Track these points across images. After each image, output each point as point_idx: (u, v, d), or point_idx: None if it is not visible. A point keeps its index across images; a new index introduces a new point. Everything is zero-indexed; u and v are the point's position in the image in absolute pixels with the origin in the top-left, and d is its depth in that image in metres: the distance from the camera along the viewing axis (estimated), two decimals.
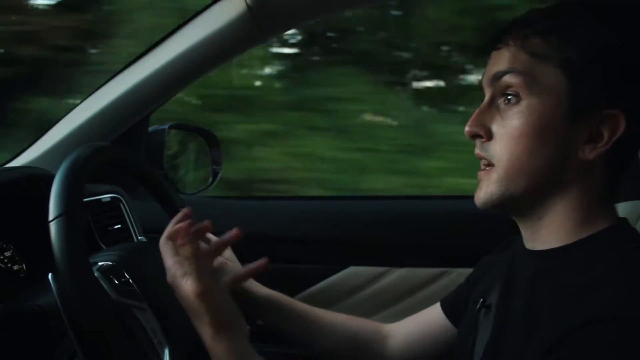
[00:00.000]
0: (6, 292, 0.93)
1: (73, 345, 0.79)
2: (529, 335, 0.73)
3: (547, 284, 0.76)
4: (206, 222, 0.91)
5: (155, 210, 1.14)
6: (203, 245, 0.96)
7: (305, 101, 3.20)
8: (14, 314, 0.84)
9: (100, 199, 1.31)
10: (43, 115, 3.14)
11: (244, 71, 3.43)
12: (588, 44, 0.74)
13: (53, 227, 0.79)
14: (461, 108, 3.27)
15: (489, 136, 0.80)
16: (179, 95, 1.51)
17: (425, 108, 3.50)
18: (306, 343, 1.13)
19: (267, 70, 3.58)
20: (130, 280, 0.86)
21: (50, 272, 0.80)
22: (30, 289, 0.93)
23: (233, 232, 0.97)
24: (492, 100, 0.80)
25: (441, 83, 3.51)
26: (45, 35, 3.48)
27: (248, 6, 1.23)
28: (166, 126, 1.60)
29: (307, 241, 1.51)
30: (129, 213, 1.35)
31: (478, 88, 0.85)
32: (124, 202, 1.36)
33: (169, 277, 0.84)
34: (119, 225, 1.32)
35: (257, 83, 3.57)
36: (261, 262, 1.01)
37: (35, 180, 1.16)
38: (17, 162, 1.40)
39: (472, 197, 0.83)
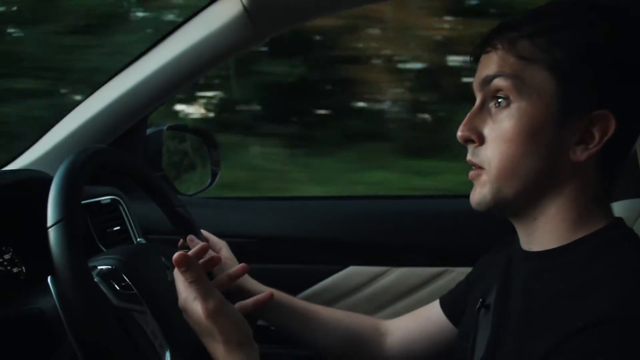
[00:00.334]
0: (6, 295, 0.93)
1: (73, 348, 0.79)
2: (528, 336, 0.73)
3: (544, 285, 0.76)
4: (215, 257, 0.94)
5: (155, 211, 1.14)
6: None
7: None
8: (14, 318, 0.84)
9: (99, 201, 1.31)
10: None
11: None
12: (576, 45, 0.74)
13: (52, 234, 0.79)
14: None
15: (481, 140, 0.80)
16: None
17: None
18: (304, 340, 1.14)
19: None
20: (130, 284, 0.86)
21: (49, 274, 0.80)
22: (29, 291, 0.93)
23: (240, 268, 1.02)
24: (483, 104, 0.81)
25: None
26: None
27: (244, 7, 1.23)
28: (164, 127, 1.60)
29: (307, 241, 1.51)
30: (128, 215, 1.35)
31: None
32: (123, 204, 1.36)
33: (180, 302, 0.85)
34: (118, 227, 1.32)
35: None
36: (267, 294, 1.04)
37: (34, 183, 1.15)
38: (16, 164, 1.40)
39: None
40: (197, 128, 1.74)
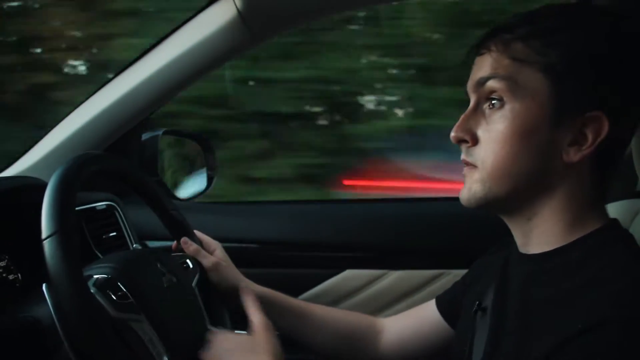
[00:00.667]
0: (1, 302, 0.92)
1: (68, 356, 0.79)
2: (525, 339, 0.73)
3: (541, 288, 0.76)
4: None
5: (151, 216, 1.14)
6: None
7: None
8: (9, 326, 0.83)
9: (94, 207, 1.31)
10: None
11: None
12: (569, 47, 0.75)
13: (47, 246, 0.79)
14: None
15: (475, 141, 0.80)
16: None
17: None
18: (299, 338, 1.14)
19: None
20: (127, 293, 0.85)
21: (44, 282, 0.80)
22: (25, 298, 0.92)
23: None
24: (477, 105, 0.81)
25: None
26: None
27: (239, 11, 1.23)
28: (160, 132, 1.60)
29: (303, 245, 1.51)
30: (124, 220, 1.35)
31: None
32: (119, 210, 1.36)
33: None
34: (114, 233, 1.32)
35: None
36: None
37: (29, 190, 1.15)
38: (11, 171, 1.39)
39: None
40: (192, 133, 1.74)
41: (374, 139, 3.23)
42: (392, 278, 1.46)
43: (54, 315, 0.78)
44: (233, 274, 1.16)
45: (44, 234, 0.79)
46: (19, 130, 3.13)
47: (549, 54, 0.75)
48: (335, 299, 1.47)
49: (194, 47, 1.30)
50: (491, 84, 0.78)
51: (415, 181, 2.90)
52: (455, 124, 0.82)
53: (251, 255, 1.49)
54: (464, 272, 1.09)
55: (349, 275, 1.48)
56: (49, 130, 1.41)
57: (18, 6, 3.36)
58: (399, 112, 3.44)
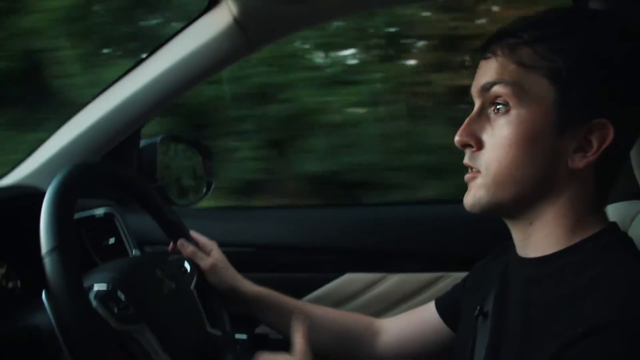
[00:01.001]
0: (1, 310, 0.92)
1: None
2: (528, 344, 0.73)
3: (541, 292, 0.76)
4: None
5: (150, 222, 1.14)
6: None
7: None
8: (8, 334, 0.83)
9: (93, 214, 1.31)
10: None
11: None
12: (575, 53, 0.74)
13: (47, 262, 0.79)
14: None
15: (480, 145, 0.80)
16: None
17: None
18: None
19: None
20: (128, 303, 0.85)
21: (44, 289, 0.80)
22: (25, 305, 0.92)
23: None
24: (482, 109, 0.81)
25: None
26: None
27: (235, 18, 1.23)
28: (158, 139, 1.60)
29: (303, 249, 1.51)
30: (123, 227, 1.35)
31: None
32: (118, 216, 1.36)
33: None
34: (114, 240, 1.32)
35: None
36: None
37: (27, 198, 1.15)
38: (10, 179, 1.39)
39: None
40: (190, 139, 1.74)
41: None
42: (392, 281, 1.46)
43: (56, 330, 0.78)
44: (230, 274, 1.16)
45: (43, 250, 0.79)
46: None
47: (555, 59, 0.75)
48: (335, 303, 1.47)
49: (191, 55, 1.30)
50: (497, 89, 0.77)
51: None
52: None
53: (251, 260, 1.49)
54: (463, 274, 1.09)
55: (349, 279, 1.48)
56: (48, 138, 1.41)
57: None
58: None
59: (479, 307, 0.88)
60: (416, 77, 3.03)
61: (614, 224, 0.81)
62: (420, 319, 1.11)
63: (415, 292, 1.45)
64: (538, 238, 0.80)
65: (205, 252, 1.16)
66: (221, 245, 1.22)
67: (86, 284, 0.85)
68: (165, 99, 1.38)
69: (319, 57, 3.21)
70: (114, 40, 3.24)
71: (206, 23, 1.28)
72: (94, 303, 0.82)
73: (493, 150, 0.78)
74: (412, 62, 3.16)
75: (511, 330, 0.78)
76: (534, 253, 0.81)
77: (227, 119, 3.09)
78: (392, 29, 3.10)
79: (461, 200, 0.83)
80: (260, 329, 1.42)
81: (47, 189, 0.86)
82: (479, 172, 0.80)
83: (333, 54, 3.16)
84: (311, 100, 2.95)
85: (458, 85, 2.79)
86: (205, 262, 1.13)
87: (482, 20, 2.96)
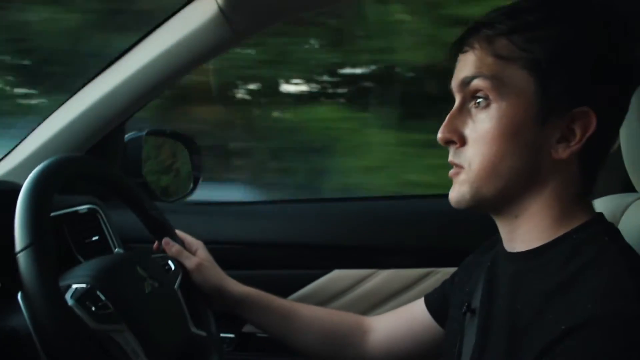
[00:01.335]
0: None
1: None
2: (513, 340, 0.72)
3: (527, 286, 0.76)
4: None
5: (134, 219, 1.12)
6: None
7: None
8: None
9: (76, 210, 1.28)
10: None
11: None
12: (553, 42, 0.73)
13: (21, 259, 0.77)
14: None
15: (463, 141, 0.79)
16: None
17: None
18: (285, 339, 1.13)
19: None
20: (107, 302, 0.83)
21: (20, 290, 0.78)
22: (3, 307, 0.90)
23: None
24: (463, 104, 0.80)
25: None
26: None
27: (220, 8, 1.21)
28: (144, 132, 1.58)
29: (290, 245, 1.50)
30: (107, 224, 1.32)
31: None
32: (101, 213, 1.33)
33: None
34: (97, 237, 1.29)
35: None
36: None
37: (6, 194, 1.12)
38: None
39: None
40: (177, 132, 1.71)
41: None
42: (381, 277, 1.45)
43: (31, 330, 0.76)
44: (216, 274, 1.14)
45: (17, 247, 0.77)
46: None
47: (533, 49, 0.74)
48: (323, 300, 1.46)
49: (175, 45, 1.27)
50: (476, 83, 0.77)
51: None
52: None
53: (238, 257, 1.48)
54: (452, 270, 1.08)
55: (337, 276, 1.47)
56: (29, 133, 1.38)
57: None
58: None
59: (466, 303, 0.88)
60: None
61: (600, 214, 0.81)
62: (410, 316, 1.10)
63: (404, 288, 1.44)
64: (524, 231, 0.79)
65: (191, 251, 1.14)
66: (208, 241, 1.20)
67: (64, 283, 0.83)
68: (150, 91, 1.35)
69: None
70: None
71: (191, 13, 1.26)
72: (71, 302, 0.80)
73: (475, 145, 0.77)
74: None
75: (498, 326, 0.78)
76: (521, 247, 0.80)
77: None
78: None
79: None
80: (246, 328, 1.40)
81: None
82: (462, 167, 0.79)
83: None
84: None
85: None
86: (190, 262, 1.11)
87: None
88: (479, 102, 0.77)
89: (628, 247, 0.75)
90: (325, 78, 3.11)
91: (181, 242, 1.14)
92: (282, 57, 2.98)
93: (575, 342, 0.64)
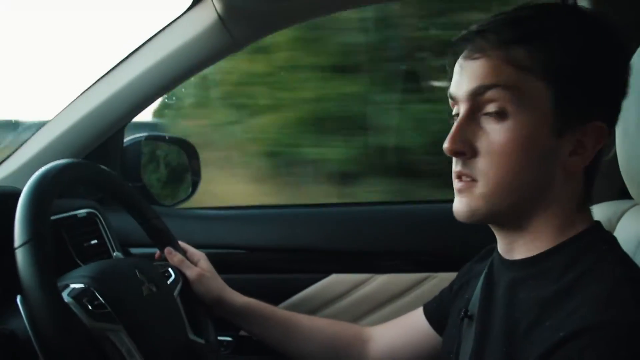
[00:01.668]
0: None
1: None
2: (511, 348, 0.72)
3: (525, 294, 0.75)
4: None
5: (133, 223, 1.13)
6: None
7: None
8: None
9: (75, 214, 1.29)
10: None
11: None
12: (573, 54, 0.71)
13: (19, 255, 0.77)
14: None
15: (473, 153, 0.75)
16: None
17: None
18: (286, 350, 1.13)
19: None
20: (104, 302, 0.84)
21: (19, 293, 0.78)
22: (2, 311, 0.90)
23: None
24: (471, 114, 0.75)
25: None
26: None
27: (219, 15, 1.22)
28: (142, 137, 1.58)
29: (288, 250, 1.50)
30: (106, 228, 1.32)
31: None
32: (100, 217, 1.34)
33: None
34: (96, 241, 1.30)
35: None
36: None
37: (5, 198, 1.13)
38: None
39: (452, 202, 0.81)
40: (176, 137, 1.72)
41: None
42: (378, 282, 1.45)
43: (27, 326, 0.76)
44: (217, 285, 1.14)
45: (16, 243, 0.78)
46: None
47: (552, 59, 0.71)
48: (321, 304, 1.46)
49: (174, 52, 1.28)
50: (492, 93, 0.73)
51: None
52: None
53: (236, 261, 1.48)
54: (450, 274, 1.08)
55: (335, 280, 1.47)
56: (29, 138, 1.39)
57: None
58: None
59: (464, 310, 0.87)
60: None
61: (598, 222, 0.80)
62: (410, 326, 1.10)
63: (402, 293, 1.44)
64: (526, 241, 0.78)
65: (192, 261, 1.14)
66: (206, 246, 1.20)
67: (62, 283, 0.83)
68: (149, 97, 1.37)
69: None
70: None
71: (190, 20, 1.27)
72: (68, 299, 0.81)
73: (490, 158, 0.74)
74: None
75: (496, 334, 0.77)
76: (519, 255, 0.79)
77: None
78: None
79: (449, 201, 0.81)
80: (243, 332, 1.40)
81: None
82: (474, 180, 0.75)
83: None
84: None
85: None
86: (192, 272, 1.11)
87: None
88: (491, 113, 0.73)
89: (626, 256, 0.74)
90: None
91: (183, 252, 1.15)
92: None
93: (572, 350, 0.63)
